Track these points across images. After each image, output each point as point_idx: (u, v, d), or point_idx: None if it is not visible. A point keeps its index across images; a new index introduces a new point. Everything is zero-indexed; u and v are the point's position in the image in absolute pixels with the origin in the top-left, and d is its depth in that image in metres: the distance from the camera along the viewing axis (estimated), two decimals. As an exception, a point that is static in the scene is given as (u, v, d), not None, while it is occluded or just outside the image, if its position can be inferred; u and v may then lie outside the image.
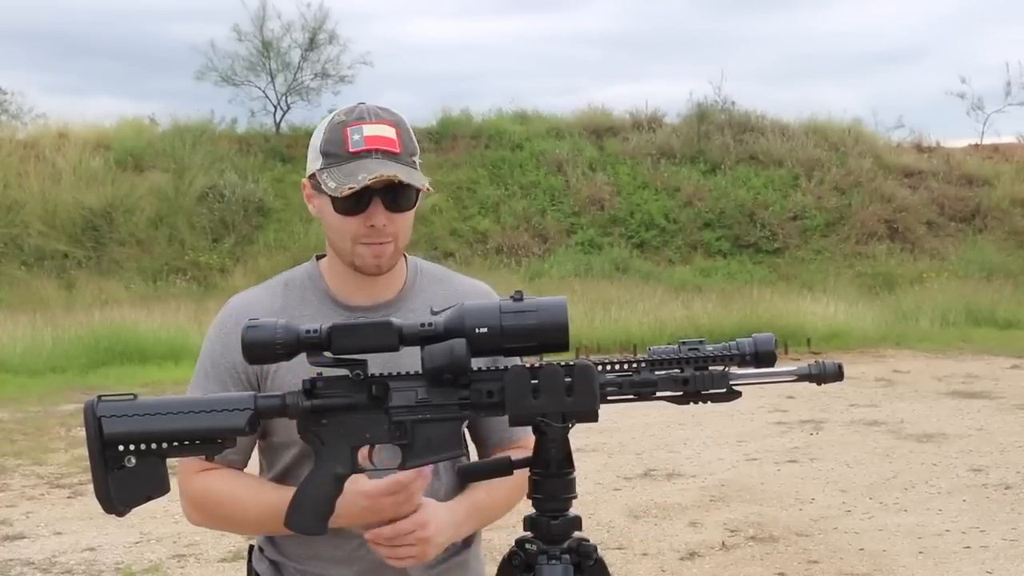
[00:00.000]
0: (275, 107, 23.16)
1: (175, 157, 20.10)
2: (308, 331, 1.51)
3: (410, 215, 1.83)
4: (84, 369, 12.14)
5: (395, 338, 1.51)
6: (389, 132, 1.79)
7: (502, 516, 1.96)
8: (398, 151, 1.78)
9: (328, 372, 1.56)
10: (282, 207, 20.22)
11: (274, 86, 23.22)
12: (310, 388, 1.55)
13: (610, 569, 1.65)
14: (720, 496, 6.59)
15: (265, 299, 1.89)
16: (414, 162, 1.82)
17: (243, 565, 2.00)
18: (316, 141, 1.82)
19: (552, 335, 1.50)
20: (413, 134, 1.85)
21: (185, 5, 45.48)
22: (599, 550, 1.62)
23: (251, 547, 1.99)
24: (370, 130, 1.78)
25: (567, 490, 1.57)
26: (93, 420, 1.51)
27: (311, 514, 1.57)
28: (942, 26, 60.96)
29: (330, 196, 1.77)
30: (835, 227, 20.76)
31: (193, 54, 36.74)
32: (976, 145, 24.90)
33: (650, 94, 63.87)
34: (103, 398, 1.53)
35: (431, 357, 1.51)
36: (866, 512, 6.22)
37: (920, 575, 5.16)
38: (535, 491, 1.58)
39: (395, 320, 1.52)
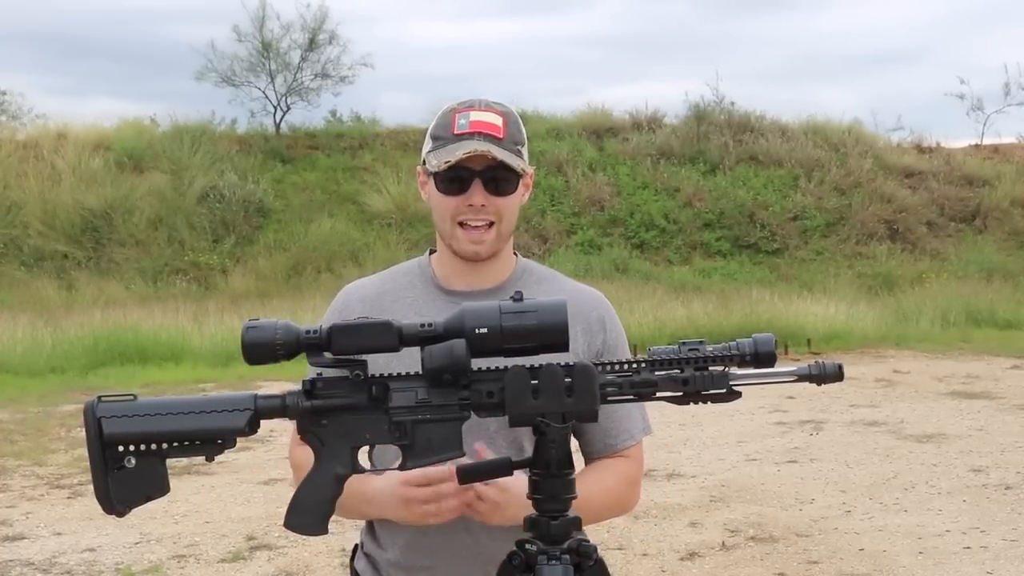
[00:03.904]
0: (275, 108, 23.19)
1: (175, 158, 20.10)
2: (308, 331, 1.51)
3: (512, 201, 1.89)
4: (84, 370, 12.13)
5: (395, 338, 1.51)
6: (495, 119, 1.86)
7: (596, 518, 1.87)
8: (501, 136, 1.85)
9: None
10: (282, 207, 20.22)
11: (274, 87, 23.25)
12: (310, 388, 1.55)
13: (610, 569, 1.65)
14: (720, 496, 6.59)
15: (374, 282, 2.02)
16: (518, 150, 1.88)
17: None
18: (429, 128, 1.92)
19: (552, 336, 1.50)
20: (522, 128, 1.92)
21: (185, 6, 45.56)
22: (599, 550, 1.62)
23: (355, 546, 2.03)
24: (477, 116, 1.86)
25: (567, 490, 1.57)
26: (93, 420, 1.50)
27: (311, 514, 1.57)
28: (941, 27, 61.07)
29: (433, 175, 1.87)
30: (835, 227, 20.75)
31: (193, 55, 36.82)
32: (976, 146, 24.90)
33: (650, 95, 63.90)
34: (103, 399, 1.53)
35: (431, 357, 1.51)
36: (866, 512, 6.22)
37: (920, 575, 5.16)
38: (535, 491, 1.58)
39: (394, 321, 1.52)
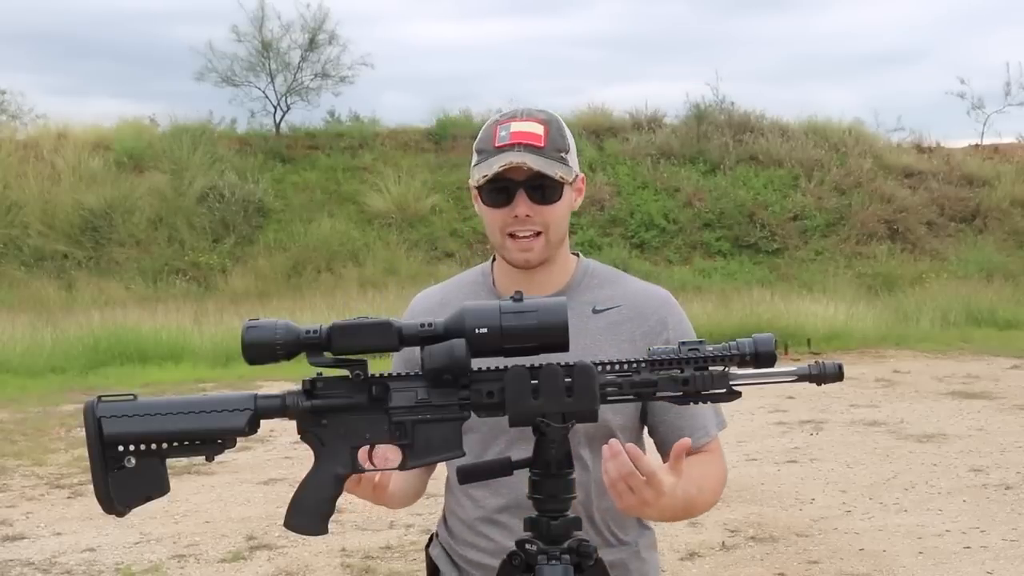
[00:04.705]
0: (275, 107, 23.17)
1: (175, 158, 20.08)
2: (308, 331, 1.51)
3: (559, 208, 1.87)
4: (84, 370, 12.13)
5: (395, 338, 1.51)
6: (536, 128, 1.85)
7: (697, 512, 1.88)
8: (542, 145, 1.84)
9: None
10: (282, 207, 20.21)
11: (274, 86, 23.23)
12: (310, 388, 1.55)
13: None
14: (720, 496, 6.58)
15: (438, 291, 2.05)
16: (562, 157, 1.86)
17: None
18: (475, 141, 1.92)
19: (552, 336, 1.50)
20: (567, 133, 1.90)
21: (185, 6, 45.53)
22: (599, 551, 1.62)
23: (431, 535, 2.06)
24: (517, 126, 1.85)
25: (567, 490, 1.58)
26: (93, 420, 1.50)
27: (311, 514, 1.56)
28: (941, 27, 61.05)
29: (478, 189, 1.88)
30: (835, 227, 20.75)
31: (193, 55, 36.70)
32: (976, 145, 24.88)
33: (650, 95, 63.85)
34: (103, 398, 1.53)
35: (431, 357, 1.51)
36: (866, 512, 6.22)
37: (920, 575, 5.16)
38: (535, 491, 1.58)
39: (395, 320, 1.52)
